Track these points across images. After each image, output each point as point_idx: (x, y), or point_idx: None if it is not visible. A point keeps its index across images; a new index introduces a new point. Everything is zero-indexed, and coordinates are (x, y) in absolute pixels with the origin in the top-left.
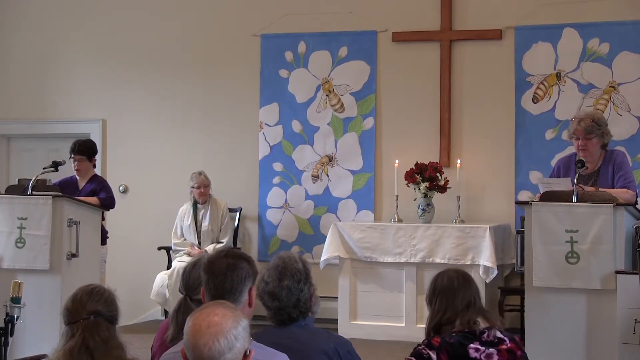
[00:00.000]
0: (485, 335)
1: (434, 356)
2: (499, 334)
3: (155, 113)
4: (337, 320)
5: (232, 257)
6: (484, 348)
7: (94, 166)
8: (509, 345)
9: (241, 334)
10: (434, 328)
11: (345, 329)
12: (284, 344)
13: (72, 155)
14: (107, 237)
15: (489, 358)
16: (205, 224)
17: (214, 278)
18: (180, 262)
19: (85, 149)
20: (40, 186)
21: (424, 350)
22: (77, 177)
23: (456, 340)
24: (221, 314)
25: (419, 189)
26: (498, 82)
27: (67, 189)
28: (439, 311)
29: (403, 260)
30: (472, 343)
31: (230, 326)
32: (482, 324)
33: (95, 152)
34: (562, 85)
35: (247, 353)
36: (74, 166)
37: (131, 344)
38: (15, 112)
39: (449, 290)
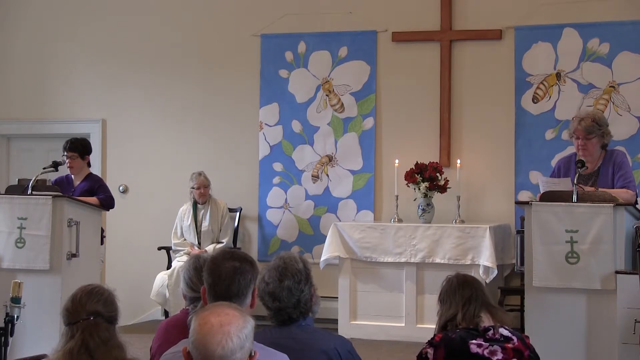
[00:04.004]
0: (490, 332)
1: (431, 352)
2: (506, 332)
3: (155, 113)
4: (337, 320)
5: (238, 259)
6: (487, 344)
7: (89, 165)
8: (516, 344)
9: (250, 334)
10: (442, 327)
11: (345, 329)
12: (284, 344)
13: (65, 153)
14: (104, 237)
15: (492, 354)
16: (205, 224)
17: (220, 282)
18: (180, 262)
19: (76, 146)
20: (40, 186)
21: (424, 350)
22: (72, 176)
23: (458, 336)
24: (231, 314)
25: (419, 189)
26: (498, 82)
27: (61, 188)
28: (445, 311)
29: (403, 260)
30: (475, 339)
31: (242, 325)
32: (486, 320)
33: (88, 150)
34: (562, 85)
35: (252, 354)
36: (67, 164)
37: (131, 344)
38: (15, 112)
39: (448, 290)
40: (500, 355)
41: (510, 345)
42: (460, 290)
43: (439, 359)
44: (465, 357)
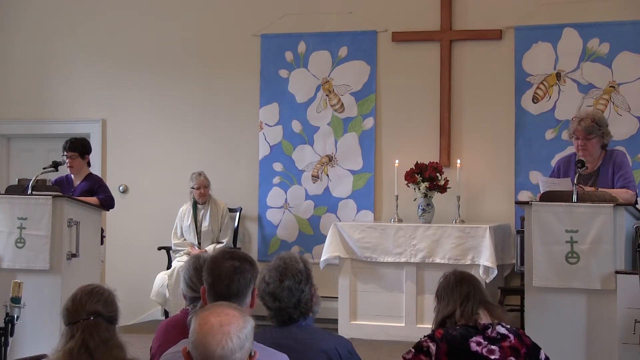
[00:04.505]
0: (489, 330)
1: (433, 347)
2: (502, 330)
3: (155, 113)
4: (337, 320)
5: (238, 259)
6: (486, 342)
7: (89, 165)
8: (512, 342)
9: (250, 334)
10: (440, 323)
11: (345, 329)
12: (284, 344)
13: (65, 153)
14: (104, 237)
15: (490, 353)
16: (205, 224)
17: (220, 281)
18: (180, 262)
19: (76, 146)
20: (40, 186)
21: (424, 343)
22: (72, 176)
23: (458, 333)
24: (231, 314)
25: (419, 189)
26: (498, 82)
27: (61, 188)
28: (443, 308)
29: (403, 260)
30: (475, 337)
31: (242, 325)
32: (484, 317)
33: (88, 150)
34: (562, 85)
35: (252, 354)
36: (67, 163)
37: (131, 344)
38: (15, 112)
39: (446, 287)
40: (497, 354)
41: (506, 344)
42: (458, 288)
43: (441, 354)
44: (466, 355)
